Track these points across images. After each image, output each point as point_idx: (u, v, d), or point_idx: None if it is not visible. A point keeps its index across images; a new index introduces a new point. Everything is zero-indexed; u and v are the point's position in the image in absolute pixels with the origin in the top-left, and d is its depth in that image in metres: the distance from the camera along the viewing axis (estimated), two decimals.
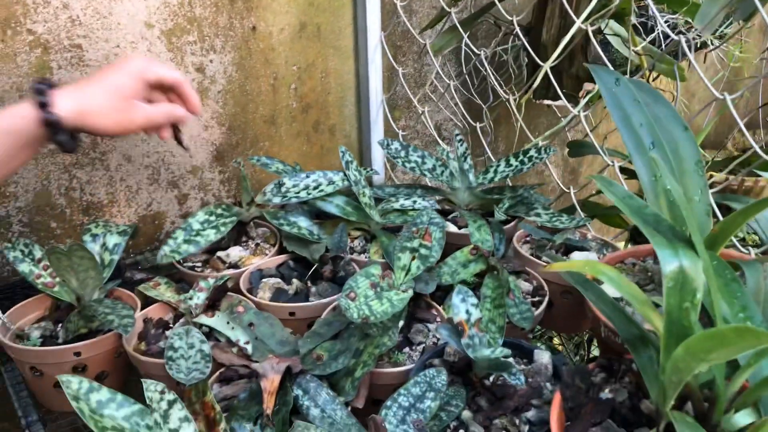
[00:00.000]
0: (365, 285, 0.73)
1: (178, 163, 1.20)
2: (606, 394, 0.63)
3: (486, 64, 1.12)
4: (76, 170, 1.08)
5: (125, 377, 0.87)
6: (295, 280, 0.90)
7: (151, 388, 0.55)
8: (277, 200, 0.96)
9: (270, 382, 0.64)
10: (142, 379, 0.56)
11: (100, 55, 1.05)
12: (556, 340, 1.21)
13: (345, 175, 0.99)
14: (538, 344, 1.23)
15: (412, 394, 0.63)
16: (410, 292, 0.75)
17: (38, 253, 0.87)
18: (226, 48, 1.18)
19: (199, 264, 0.97)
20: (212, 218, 0.92)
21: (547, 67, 0.94)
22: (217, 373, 0.73)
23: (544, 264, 0.91)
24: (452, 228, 1.02)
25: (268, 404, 0.64)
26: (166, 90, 0.83)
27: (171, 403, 0.55)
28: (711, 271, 0.60)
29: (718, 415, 0.52)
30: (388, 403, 0.63)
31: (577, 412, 0.61)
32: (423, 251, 0.80)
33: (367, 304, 0.70)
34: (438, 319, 0.82)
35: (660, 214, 0.57)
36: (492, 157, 1.14)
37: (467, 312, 0.69)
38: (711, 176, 1.05)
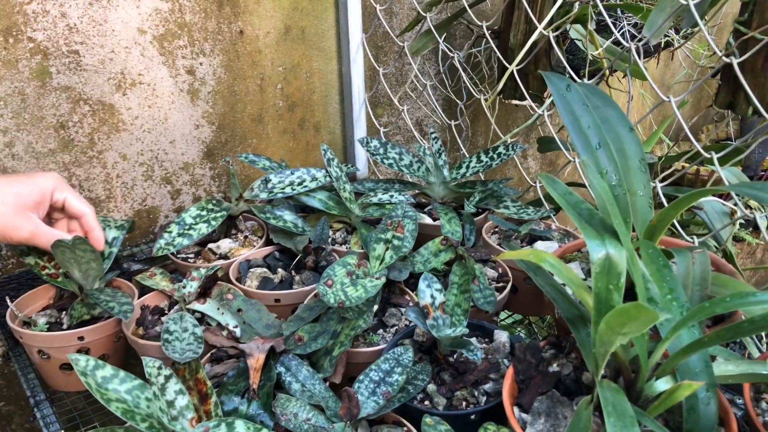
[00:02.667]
0: (342, 273, 0.80)
1: (171, 160, 1.27)
2: (554, 368, 0.71)
3: (460, 65, 1.19)
4: (75, 168, 1.15)
5: (124, 359, 0.95)
6: (280, 270, 0.98)
7: (150, 364, 0.62)
8: (264, 196, 1.04)
9: (256, 360, 0.72)
10: (142, 357, 0.63)
11: (96, 60, 1.12)
12: (535, 325, 1.29)
13: (327, 171, 1.07)
14: (519, 329, 1.31)
15: (381, 370, 0.71)
16: (383, 280, 0.83)
17: None
18: (215, 51, 1.25)
19: (192, 255, 1.05)
20: (204, 213, 0.99)
21: (512, 68, 1.01)
22: (209, 354, 0.81)
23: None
24: (428, 220, 1.10)
25: (254, 380, 0.72)
26: (71, 217, 0.86)
27: (167, 378, 0.63)
28: (646, 257, 0.69)
29: (641, 383, 0.60)
30: (361, 377, 0.71)
31: (527, 383, 0.69)
32: (396, 242, 0.88)
33: (343, 291, 0.78)
34: (410, 304, 0.90)
35: (593, 209, 0.65)
36: (467, 153, 1.21)
37: (432, 296, 0.77)
38: (670, 167, 1.13)
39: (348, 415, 0.67)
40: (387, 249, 0.87)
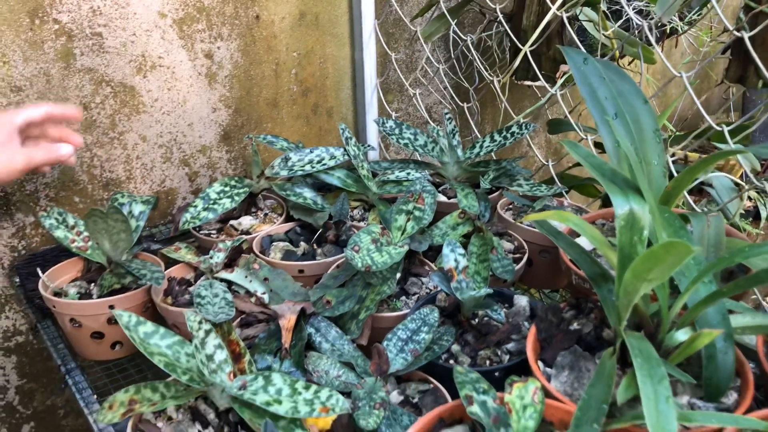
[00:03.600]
0: (367, 240, 0.83)
1: (189, 142, 1.29)
2: (574, 327, 0.74)
3: (472, 49, 1.22)
4: (96, 149, 1.18)
5: None
6: (302, 243, 1.01)
7: (191, 317, 0.65)
8: (284, 173, 1.06)
9: (287, 321, 0.75)
10: (184, 311, 0.66)
11: (118, 42, 1.14)
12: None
13: (345, 150, 1.09)
14: None
15: (409, 329, 0.74)
16: (406, 248, 0.85)
17: (71, 221, 0.96)
18: (233, 35, 1.28)
19: (214, 232, 1.08)
20: (227, 189, 1.02)
21: (526, 49, 1.04)
22: (238, 319, 0.84)
23: (526, 227, 1.02)
24: (442, 198, 1.13)
25: (286, 339, 0.74)
26: (45, 129, 0.89)
27: (207, 332, 0.66)
28: (662, 221, 0.71)
29: (662, 333, 0.63)
30: (389, 336, 0.74)
31: (549, 341, 0.72)
32: (417, 213, 0.91)
33: (369, 256, 0.81)
34: (430, 273, 0.93)
35: (617, 169, 0.68)
36: (479, 135, 1.24)
37: (455, 260, 0.80)
38: (673, 154, 1.16)
39: (378, 371, 0.70)
40: (408, 220, 0.90)
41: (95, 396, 0.87)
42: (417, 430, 0.60)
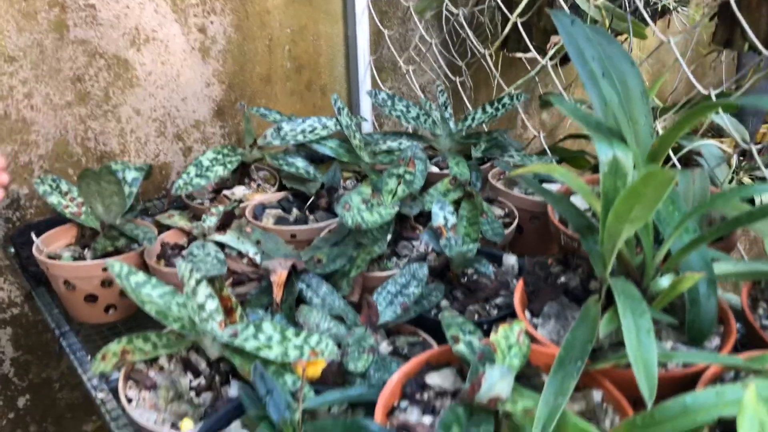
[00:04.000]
0: (358, 200, 0.84)
1: (182, 117, 1.30)
2: (561, 280, 0.75)
3: (464, 24, 1.23)
4: (90, 121, 1.19)
5: None
6: (294, 210, 1.02)
7: (182, 266, 0.66)
8: (276, 142, 1.07)
9: (278, 276, 0.75)
10: (175, 260, 0.67)
11: (111, 14, 1.15)
12: None
13: (337, 120, 1.10)
14: None
15: (398, 283, 0.75)
16: (396, 209, 0.86)
17: (65, 187, 0.97)
18: (226, 10, 1.28)
19: (207, 201, 1.08)
20: (219, 156, 1.03)
21: (514, 18, 1.05)
22: (230, 279, 0.84)
23: (516, 195, 1.03)
24: (434, 170, 1.14)
25: (277, 294, 0.75)
26: None
27: (198, 282, 0.66)
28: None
29: (647, 280, 0.64)
30: (379, 290, 0.75)
31: (536, 294, 0.73)
32: (408, 177, 0.91)
33: (360, 215, 0.81)
34: (420, 238, 0.93)
35: (601, 120, 0.69)
36: (471, 109, 1.25)
37: (444, 218, 0.81)
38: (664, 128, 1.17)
39: (368, 322, 0.71)
40: (399, 183, 0.91)
41: (89, 357, 0.88)
42: (404, 372, 0.61)
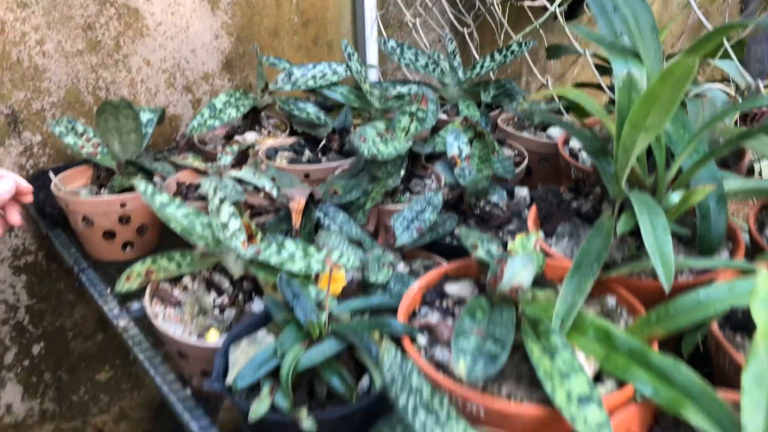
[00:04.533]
0: (373, 133, 0.85)
1: (192, 69, 1.31)
2: (573, 206, 0.77)
3: None
4: (101, 71, 1.19)
5: (161, 235, 1.00)
6: (307, 152, 1.03)
7: (207, 184, 0.67)
8: (287, 88, 1.08)
9: (297, 203, 0.77)
10: (207, 168, 0.68)
11: None
12: None
13: (347, 66, 1.11)
14: None
15: (414, 210, 0.77)
16: (410, 143, 0.88)
17: (80, 128, 0.98)
18: None
19: (219, 147, 1.10)
20: (232, 100, 1.04)
21: None
22: (248, 212, 0.86)
23: (526, 137, 1.05)
24: (444, 117, 1.15)
25: (296, 221, 0.77)
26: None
27: (222, 201, 0.68)
28: None
29: (660, 196, 0.66)
30: (395, 216, 0.76)
31: (549, 218, 0.75)
32: (420, 114, 0.93)
33: (375, 147, 0.83)
34: (433, 176, 0.95)
35: (617, 40, 0.70)
36: (478, 58, 1.26)
37: (459, 148, 0.82)
38: None
39: (386, 245, 0.73)
40: (412, 121, 0.92)
41: (108, 289, 0.89)
42: (424, 282, 0.63)
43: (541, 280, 0.63)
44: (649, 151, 0.66)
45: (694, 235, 0.66)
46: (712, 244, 0.65)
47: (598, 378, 0.52)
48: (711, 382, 0.46)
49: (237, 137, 1.10)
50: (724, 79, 1.60)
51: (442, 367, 0.53)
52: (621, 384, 0.51)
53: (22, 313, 1.25)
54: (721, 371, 0.54)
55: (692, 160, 0.66)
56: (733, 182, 0.68)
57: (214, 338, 0.65)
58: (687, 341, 0.54)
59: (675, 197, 0.65)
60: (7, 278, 1.21)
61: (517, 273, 0.51)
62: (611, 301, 0.60)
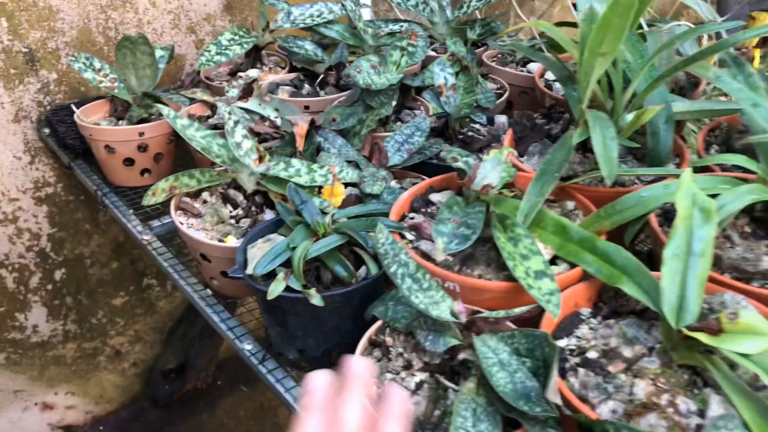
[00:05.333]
0: (367, 66, 0.94)
1: (194, 10, 1.38)
2: (545, 129, 0.87)
3: None
4: (110, 11, 1.27)
5: (175, 162, 1.09)
6: (306, 86, 1.12)
7: (222, 107, 0.77)
8: (287, 26, 1.16)
9: (300, 128, 0.87)
10: (216, 101, 0.78)
11: None
12: None
13: (343, 5, 1.19)
14: None
15: (404, 134, 0.87)
16: (401, 75, 0.97)
17: (98, 64, 1.06)
18: None
19: (225, 83, 1.18)
20: (236, 37, 1.12)
21: None
22: (255, 138, 0.96)
23: (508, 71, 1.14)
24: (433, 54, 1.24)
25: (300, 144, 0.87)
26: None
27: (236, 123, 0.78)
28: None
29: (616, 115, 0.76)
30: (387, 139, 0.86)
31: (523, 140, 0.85)
32: (410, 49, 1.02)
33: (369, 77, 0.92)
34: (422, 107, 1.05)
35: None
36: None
37: (445, 78, 0.92)
38: None
39: (379, 164, 0.83)
40: (403, 55, 1.01)
41: (131, 210, 1.00)
42: (412, 192, 0.73)
43: (512, 189, 0.73)
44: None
45: (646, 152, 0.76)
46: (661, 158, 0.75)
47: (554, 263, 0.63)
48: (652, 266, 0.57)
49: (240, 74, 1.19)
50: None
51: (426, 256, 0.64)
52: (572, 267, 0.62)
53: (44, 240, 1.36)
54: (657, 255, 0.65)
55: (646, 83, 0.75)
56: (680, 104, 0.78)
57: (232, 241, 0.75)
58: (629, 231, 0.65)
59: (629, 117, 0.75)
60: (30, 208, 1.31)
61: (488, 173, 0.61)
62: (570, 204, 0.71)
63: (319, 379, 0.43)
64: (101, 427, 1.61)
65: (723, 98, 0.97)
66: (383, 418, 0.42)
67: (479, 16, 1.32)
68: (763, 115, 0.63)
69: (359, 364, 0.44)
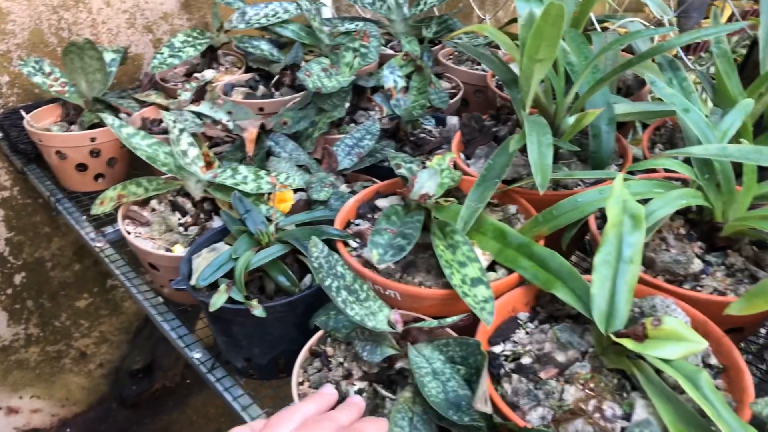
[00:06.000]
0: (318, 68, 0.94)
1: (151, 9, 1.36)
2: (493, 131, 0.87)
3: None
4: (63, 12, 1.25)
5: (130, 168, 1.08)
6: (261, 87, 1.12)
7: (167, 117, 0.77)
8: (242, 26, 1.16)
9: (250, 133, 0.87)
10: (162, 111, 0.77)
11: None
12: None
13: (298, 4, 1.18)
14: None
15: (354, 137, 0.87)
16: (353, 77, 0.97)
17: (47, 68, 1.05)
18: None
19: (180, 84, 1.17)
20: (190, 39, 1.11)
21: None
22: (207, 142, 0.95)
23: (463, 69, 1.14)
24: (390, 52, 1.24)
25: (249, 149, 0.87)
26: None
27: (181, 131, 0.77)
28: (568, 39, 0.84)
29: (558, 119, 0.77)
30: (337, 143, 0.87)
31: (471, 142, 0.86)
32: (363, 50, 1.02)
33: (320, 81, 0.92)
34: (377, 108, 1.05)
35: None
36: None
37: (394, 81, 0.92)
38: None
39: (328, 168, 0.83)
40: (355, 57, 1.01)
41: (84, 216, 0.99)
42: (359, 198, 0.73)
43: (458, 193, 0.74)
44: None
45: (590, 153, 0.78)
46: (603, 160, 0.76)
47: (493, 269, 0.64)
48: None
49: (196, 75, 1.18)
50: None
51: (368, 263, 0.65)
52: (511, 272, 0.63)
53: (2, 245, 1.34)
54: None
55: (588, 86, 0.76)
56: (623, 106, 0.79)
57: (179, 251, 0.75)
58: (565, 236, 0.66)
59: (571, 120, 0.76)
60: None
61: (425, 183, 0.62)
62: (512, 208, 0.72)
63: None
64: (68, 429, 1.60)
65: None
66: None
67: (437, 13, 1.33)
68: (694, 120, 0.64)
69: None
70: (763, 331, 0.73)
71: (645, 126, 0.90)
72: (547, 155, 0.63)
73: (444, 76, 1.14)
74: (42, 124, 1.06)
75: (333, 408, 0.49)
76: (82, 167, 1.01)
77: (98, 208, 0.80)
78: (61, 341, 1.54)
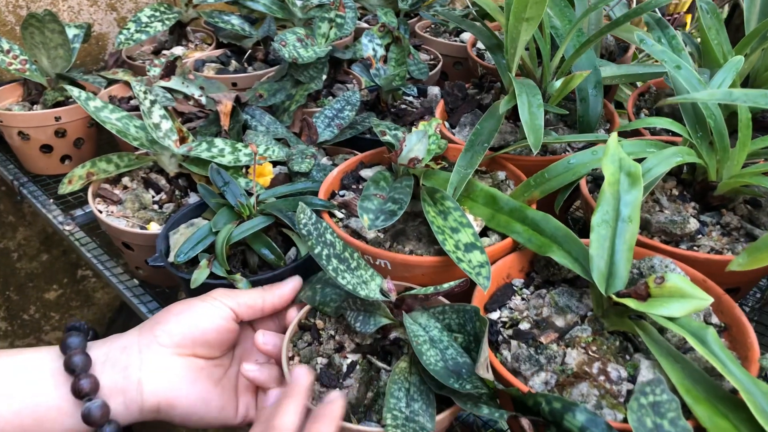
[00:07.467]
0: (293, 39, 0.91)
1: None
2: (477, 99, 0.85)
3: None
4: None
5: (99, 149, 1.04)
6: (233, 62, 1.08)
7: (137, 87, 0.73)
8: (211, 0, 1.11)
9: (225, 106, 0.83)
10: (130, 81, 0.73)
11: None
12: None
13: None
14: None
15: (334, 108, 0.84)
16: (330, 48, 0.94)
17: (5, 45, 0.99)
18: None
19: (149, 61, 1.12)
20: (157, 14, 1.07)
21: None
22: (179, 118, 0.91)
23: (441, 41, 1.12)
24: (365, 26, 1.20)
25: (225, 123, 0.83)
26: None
27: (153, 102, 0.73)
28: (550, 2, 0.82)
29: (545, 83, 0.75)
30: (317, 114, 0.83)
31: (455, 111, 0.83)
32: (339, 20, 0.98)
33: (296, 51, 0.89)
34: (354, 81, 1.02)
35: None
36: None
37: (374, 49, 0.89)
38: None
39: (308, 140, 0.80)
40: (331, 27, 0.98)
41: (51, 200, 0.94)
42: (342, 168, 0.71)
43: (444, 161, 0.72)
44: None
45: (577, 117, 0.76)
46: (591, 124, 0.75)
47: (485, 235, 0.62)
48: (587, 234, 0.56)
49: (165, 52, 1.13)
50: None
51: (356, 233, 0.62)
52: (504, 238, 0.61)
53: None
54: (589, 222, 0.64)
55: (573, 48, 0.74)
56: (609, 69, 0.77)
57: (154, 228, 0.71)
58: (558, 199, 0.64)
59: (557, 83, 0.74)
60: None
61: (414, 146, 0.59)
62: (501, 174, 0.70)
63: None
64: None
65: (655, 62, 0.97)
66: (313, 419, 0.43)
67: None
68: (686, 76, 0.63)
69: (299, 373, 0.46)
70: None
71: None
72: (538, 116, 0.60)
73: (422, 48, 1.12)
74: (2, 104, 1.01)
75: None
76: (47, 149, 0.97)
77: (66, 187, 0.76)
78: (30, 335, 1.48)
